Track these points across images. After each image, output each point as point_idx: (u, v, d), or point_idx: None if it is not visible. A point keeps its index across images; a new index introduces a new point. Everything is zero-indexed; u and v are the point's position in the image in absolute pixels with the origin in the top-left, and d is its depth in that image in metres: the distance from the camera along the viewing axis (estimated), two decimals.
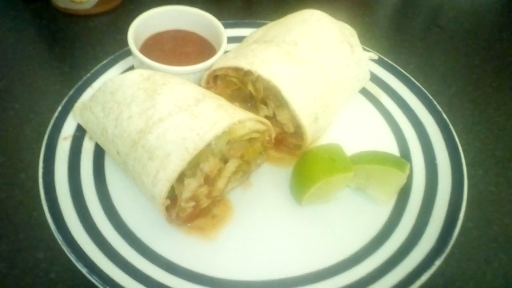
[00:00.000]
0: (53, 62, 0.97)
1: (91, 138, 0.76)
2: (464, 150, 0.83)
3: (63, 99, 0.81)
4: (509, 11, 1.24)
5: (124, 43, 0.80)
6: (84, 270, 0.59)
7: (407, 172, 0.71)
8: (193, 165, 0.61)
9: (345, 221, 0.71)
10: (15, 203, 0.72)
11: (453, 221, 0.68)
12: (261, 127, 0.68)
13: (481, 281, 0.68)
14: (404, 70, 0.94)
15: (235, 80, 0.75)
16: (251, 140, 0.68)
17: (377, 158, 0.71)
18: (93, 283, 0.59)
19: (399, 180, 0.70)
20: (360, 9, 1.21)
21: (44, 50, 1.01)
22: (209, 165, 0.62)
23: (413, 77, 0.93)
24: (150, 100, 0.64)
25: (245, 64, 0.70)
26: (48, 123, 0.77)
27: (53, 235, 0.63)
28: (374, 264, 0.65)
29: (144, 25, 0.84)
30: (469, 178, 0.78)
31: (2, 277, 0.64)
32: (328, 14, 0.85)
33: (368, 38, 1.11)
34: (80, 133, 0.77)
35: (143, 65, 0.78)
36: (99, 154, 0.76)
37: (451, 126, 0.82)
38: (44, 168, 0.70)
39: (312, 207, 0.72)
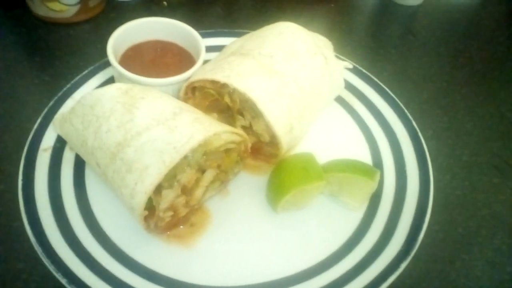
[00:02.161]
0: (33, 71, 0.98)
1: (71, 149, 0.78)
2: (433, 156, 0.88)
3: (43, 108, 0.83)
4: (478, 20, 1.29)
5: (105, 52, 0.82)
6: (63, 281, 0.61)
7: (377, 179, 0.74)
8: (170, 177, 0.63)
9: (319, 227, 0.74)
10: None
11: (419, 226, 0.72)
12: (236, 138, 0.70)
13: (445, 281, 0.72)
14: (379, 78, 0.98)
15: (212, 92, 0.77)
16: (227, 150, 0.70)
17: (348, 167, 0.74)
18: None
19: (369, 187, 0.74)
20: (337, 17, 1.25)
21: (24, 59, 1.01)
22: (186, 176, 0.65)
23: (387, 84, 0.97)
24: (128, 114, 0.66)
25: (221, 77, 0.73)
26: (28, 133, 0.78)
27: (34, 246, 0.65)
28: (345, 267, 0.69)
29: (123, 37, 0.86)
30: (436, 183, 0.83)
31: None
32: (306, 21, 0.88)
33: (345, 45, 1.14)
34: (60, 144, 0.78)
35: (122, 77, 0.80)
36: (79, 164, 0.77)
37: (420, 135, 0.86)
38: (24, 180, 0.71)
39: (288, 214, 0.75)
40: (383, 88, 0.95)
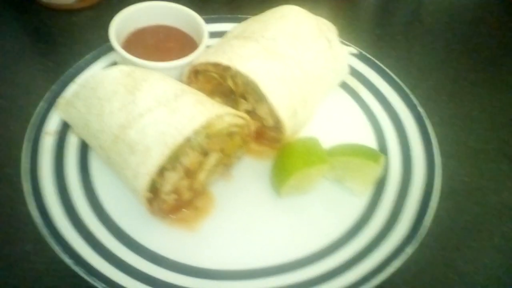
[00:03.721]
0: (37, 57, 0.98)
1: (75, 133, 0.77)
2: (439, 142, 0.86)
3: (47, 93, 0.82)
4: (487, 5, 1.26)
5: (108, 38, 0.81)
6: (69, 262, 0.61)
7: (382, 164, 0.73)
8: (173, 159, 0.63)
9: (323, 212, 0.74)
10: (2, 197, 0.73)
11: (425, 211, 0.71)
12: (239, 121, 0.69)
13: (451, 267, 0.71)
14: (384, 64, 0.97)
15: (215, 75, 0.76)
16: (230, 134, 0.70)
17: (352, 151, 0.73)
18: (79, 275, 0.61)
19: (374, 171, 0.73)
20: (343, 4, 1.23)
21: (27, 45, 1.01)
22: (189, 159, 0.64)
23: (393, 70, 0.95)
24: (131, 96, 0.65)
25: (223, 60, 0.72)
26: (32, 118, 0.78)
27: (40, 228, 0.65)
28: (350, 252, 0.68)
29: (126, 21, 0.85)
30: (443, 169, 0.81)
31: None
32: (311, 8, 0.87)
33: (350, 31, 1.13)
34: (64, 128, 0.78)
35: (125, 61, 0.80)
36: (83, 148, 0.77)
37: (426, 119, 0.85)
38: (29, 164, 0.71)
39: (292, 199, 0.74)
40: (388, 73, 0.94)
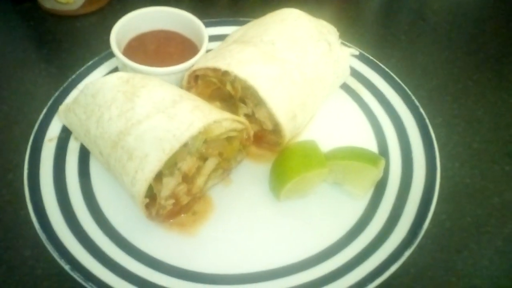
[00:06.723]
0: (41, 64, 0.99)
1: (76, 138, 0.79)
2: (442, 143, 0.86)
3: (50, 100, 0.84)
4: (493, 3, 1.24)
5: None
6: (67, 267, 0.62)
7: (381, 167, 0.73)
8: (171, 165, 0.63)
9: (322, 215, 0.74)
10: (3, 203, 0.75)
11: (424, 214, 0.70)
12: (238, 126, 0.70)
13: (451, 270, 0.71)
14: (386, 64, 0.96)
15: (214, 80, 0.77)
16: (229, 138, 0.70)
17: (352, 154, 0.73)
18: (77, 280, 0.62)
19: (373, 175, 0.72)
20: (345, 4, 1.22)
21: (32, 52, 1.02)
22: (187, 164, 0.65)
23: (395, 71, 0.95)
24: (129, 103, 0.66)
25: (222, 65, 0.73)
26: (35, 124, 0.80)
27: (38, 233, 0.66)
28: (348, 256, 0.68)
29: (127, 27, 0.86)
30: (445, 171, 0.81)
31: None
32: (313, 9, 0.86)
33: (352, 32, 1.12)
34: (65, 134, 0.80)
35: (125, 67, 0.81)
36: (84, 154, 0.78)
37: (427, 121, 0.84)
38: (29, 169, 0.73)
39: (291, 202, 0.74)
40: (389, 74, 0.93)
